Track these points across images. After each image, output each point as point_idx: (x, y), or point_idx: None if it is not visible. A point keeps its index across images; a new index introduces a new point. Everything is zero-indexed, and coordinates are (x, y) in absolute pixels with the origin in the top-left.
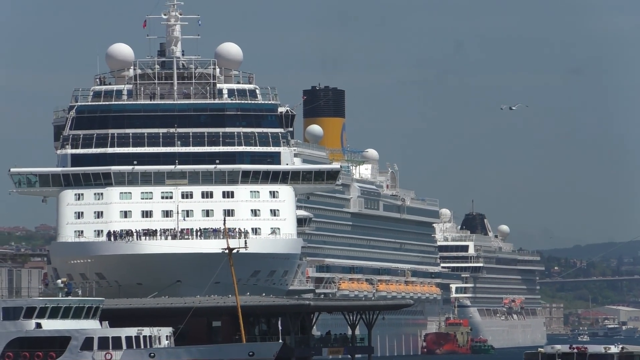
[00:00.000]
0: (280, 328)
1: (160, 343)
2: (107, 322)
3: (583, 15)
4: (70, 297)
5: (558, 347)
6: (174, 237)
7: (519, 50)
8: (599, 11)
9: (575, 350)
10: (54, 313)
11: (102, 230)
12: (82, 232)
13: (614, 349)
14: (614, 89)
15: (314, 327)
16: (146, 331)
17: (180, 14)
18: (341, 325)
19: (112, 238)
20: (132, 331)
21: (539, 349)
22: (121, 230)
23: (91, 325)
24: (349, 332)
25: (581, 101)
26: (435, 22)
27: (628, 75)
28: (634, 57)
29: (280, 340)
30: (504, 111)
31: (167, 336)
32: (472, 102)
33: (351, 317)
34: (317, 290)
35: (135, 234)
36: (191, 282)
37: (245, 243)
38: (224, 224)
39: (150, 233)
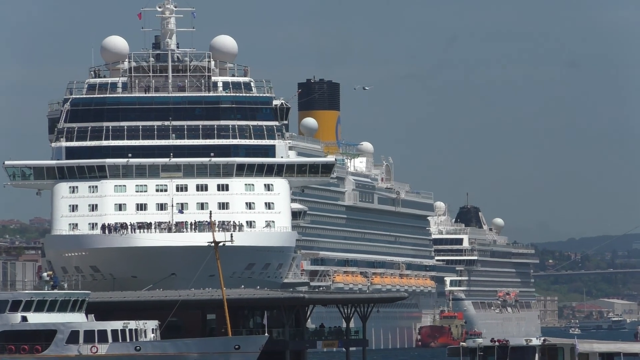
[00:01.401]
0: (265, 322)
1: (146, 336)
2: (92, 315)
3: (580, 9)
4: (56, 291)
5: (480, 340)
6: (169, 230)
7: (515, 43)
8: (596, 4)
9: (497, 344)
10: (40, 306)
11: (96, 223)
12: (76, 224)
13: (535, 341)
14: (611, 83)
15: (309, 320)
16: (132, 324)
17: (175, 7)
18: (336, 318)
19: (106, 231)
20: (118, 324)
21: (461, 343)
22: (116, 223)
23: (77, 319)
24: (344, 325)
25: (577, 95)
26: (431, 16)
27: (625, 69)
28: (631, 52)
29: (267, 334)
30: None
31: (153, 329)
32: (468, 96)
33: (346, 310)
34: (312, 283)
35: (129, 226)
36: (186, 275)
37: (232, 237)
38: (210, 217)
39: (144, 226)
